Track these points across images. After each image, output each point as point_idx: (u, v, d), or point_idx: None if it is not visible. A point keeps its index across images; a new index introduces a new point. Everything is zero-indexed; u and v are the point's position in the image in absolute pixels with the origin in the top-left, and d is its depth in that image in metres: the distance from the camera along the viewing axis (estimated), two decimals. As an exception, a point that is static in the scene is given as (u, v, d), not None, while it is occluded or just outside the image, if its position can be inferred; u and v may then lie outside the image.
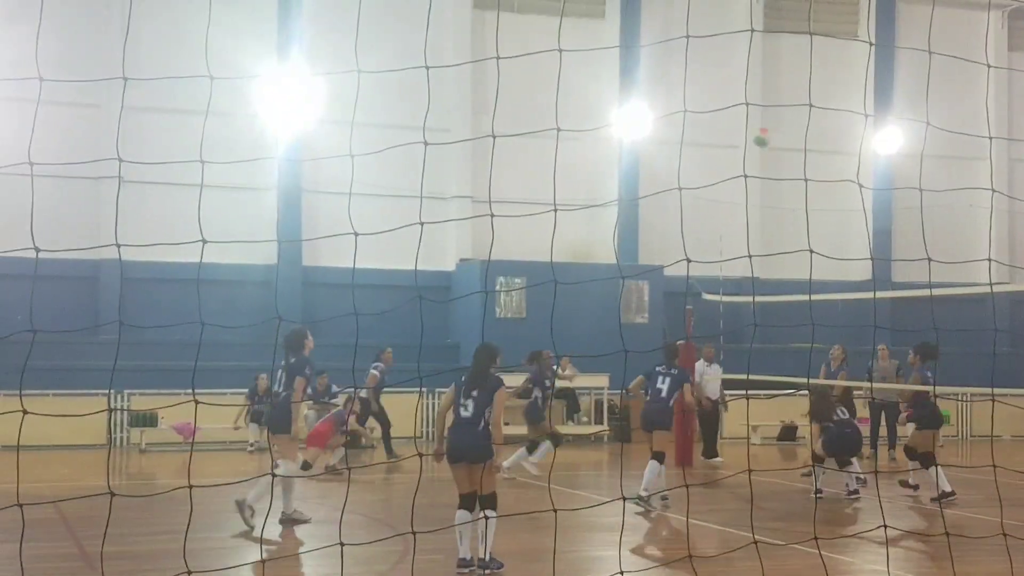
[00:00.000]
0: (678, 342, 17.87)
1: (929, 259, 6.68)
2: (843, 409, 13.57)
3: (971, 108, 25.88)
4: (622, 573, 6.10)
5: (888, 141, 25.07)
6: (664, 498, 12.23)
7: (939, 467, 12.46)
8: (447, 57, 23.37)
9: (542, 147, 22.63)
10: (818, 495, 13.04)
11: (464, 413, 8.72)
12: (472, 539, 8.61)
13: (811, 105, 6.19)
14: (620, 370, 13.23)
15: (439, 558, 8.88)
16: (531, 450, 15.06)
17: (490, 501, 8.59)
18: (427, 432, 21.59)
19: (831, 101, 23.67)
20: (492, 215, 6.59)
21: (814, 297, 18.94)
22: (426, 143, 5.92)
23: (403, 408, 20.76)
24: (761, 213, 24.41)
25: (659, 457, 12.50)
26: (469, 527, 8.59)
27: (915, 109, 24.93)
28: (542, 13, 23.98)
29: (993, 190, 8.66)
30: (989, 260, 7.75)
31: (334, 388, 19.85)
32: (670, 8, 24.68)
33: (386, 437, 18.37)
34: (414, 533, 5.93)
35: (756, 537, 6.67)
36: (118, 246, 6.05)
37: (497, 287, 22.19)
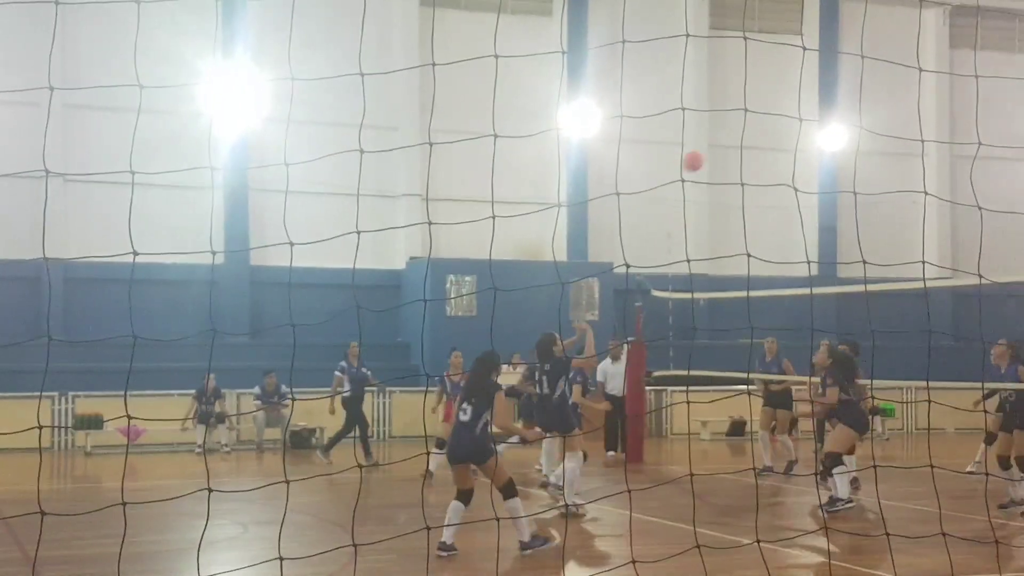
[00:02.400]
0: (628, 339, 17.98)
1: (864, 261, 6.78)
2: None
3: (915, 104, 26.24)
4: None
5: (832, 139, 25.34)
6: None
7: (838, 474, 11.70)
8: (395, 54, 23.31)
9: (490, 145, 22.63)
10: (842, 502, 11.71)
11: (463, 417, 9.15)
12: (460, 528, 9.11)
13: (746, 110, 6.24)
14: (567, 368, 13.26)
15: (391, 557, 8.85)
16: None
17: (507, 491, 9.10)
18: (380, 432, 21.47)
19: (776, 100, 23.96)
20: (430, 222, 6.57)
21: (756, 293, 19.06)
22: (362, 151, 5.88)
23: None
24: (710, 210, 24.58)
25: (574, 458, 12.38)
26: (458, 516, 9.11)
27: (856, 107, 25.23)
28: (490, 11, 23.97)
29: (926, 192, 8.78)
30: (923, 262, 7.82)
31: (283, 388, 19.73)
32: (616, 5, 24.77)
33: (364, 439, 17.55)
34: (355, 545, 5.87)
35: (701, 532, 6.70)
36: (45, 256, 5.95)
37: (447, 285, 22.16)
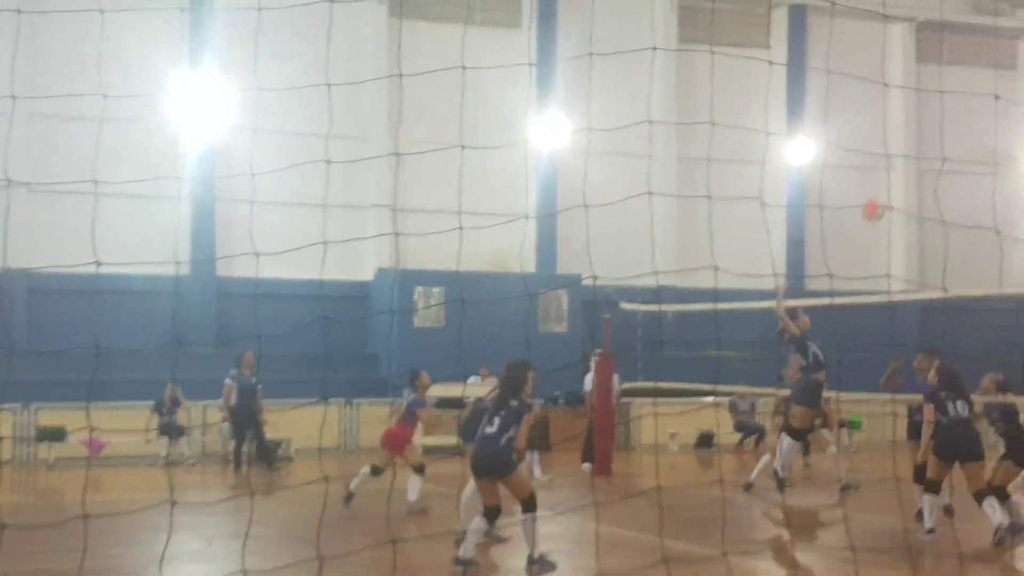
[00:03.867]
0: (596, 351, 17.98)
1: (831, 274, 6.83)
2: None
3: (881, 118, 26.46)
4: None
5: (799, 153, 25.48)
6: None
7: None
8: (364, 65, 23.21)
9: (459, 156, 22.58)
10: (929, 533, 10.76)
11: (489, 429, 9.16)
12: (483, 544, 9.24)
13: (712, 123, 6.24)
14: (541, 379, 13.22)
15: (357, 570, 8.76)
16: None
17: (528, 504, 9.01)
18: (346, 444, 21.33)
19: (745, 113, 24.15)
20: (397, 233, 6.50)
21: (724, 306, 19.20)
22: (328, 161, 5.80)
23: (317, 420, 20.54)
24: (679, 223, 24.65)
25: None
26: (479, 532, 9.11)
27: (827, 120, 25.39)
28: (459, 22, 23.94)
29: (891, 207, 8.82)
30: (888, 276, 7.86)
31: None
32: (586, 17, 24.80)
33: (239, 451, 17.51)
34: (320, 559, 5.79)
35: (669, 544, 6.67)
36: (8, 266, 5.84)
37: (415, 297, 22.08)
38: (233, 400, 17.63)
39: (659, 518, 8.42)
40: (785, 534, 11.08)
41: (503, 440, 9.09)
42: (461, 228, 6.24)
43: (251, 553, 9.64)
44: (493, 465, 9.08)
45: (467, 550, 9.04)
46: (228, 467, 18.44)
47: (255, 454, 17.92)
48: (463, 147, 6.08)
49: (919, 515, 11.05)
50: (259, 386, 17.65)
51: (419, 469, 12.79)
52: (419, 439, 15.68)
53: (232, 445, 18.15)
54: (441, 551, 9.72)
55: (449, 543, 9.76)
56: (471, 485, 10.07)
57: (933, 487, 10.70)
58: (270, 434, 19.55)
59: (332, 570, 8.88)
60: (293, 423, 19.85)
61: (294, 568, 7.41)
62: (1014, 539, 10.37)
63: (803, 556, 9.45)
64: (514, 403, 9.23)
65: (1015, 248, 26.97)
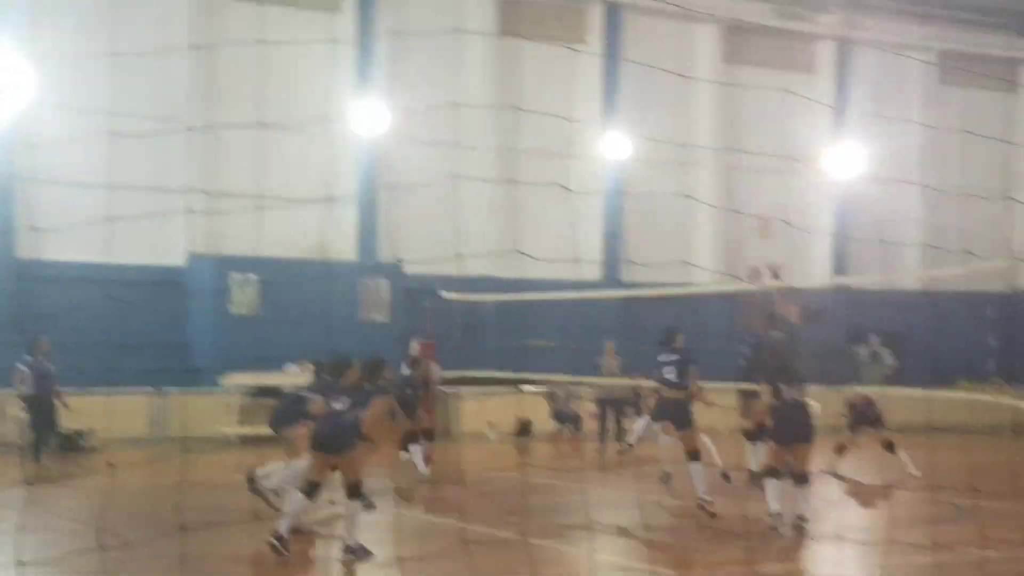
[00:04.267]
0: (416, 340, 18.00)
1: (631, 262, 7.07)
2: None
3: (692, 115, 27.40)
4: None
5: (614, 147, 26.10)
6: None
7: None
8: (176, 43, 22.45)
9: (278, 140, 22.23)
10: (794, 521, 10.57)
11: (337, 405, 9.24)
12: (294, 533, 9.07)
13: (519, 109, 6.36)
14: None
15: (164, 563, 8.58)
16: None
17: (353, 491, 9.06)
18: (155, 434, 20.72)
19: (562, 106, 24.48)
20: (189, 209, 6.38)
21: (535, 296, 19.56)
22: (116, 134, 5.61)
23: (130, 407, 19.92)
24: (499, 213, 24.86)
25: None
26: (298, 507, 9.16)
27: (640, 115, 26.09)
28: (277, 3, 23.51)
29: (697, 198, 9.19)
30: (685, 263, 8.14)
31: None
32: (406, 5, 24.75)
33: (38, 441, 16.57)
34: (103, 548, 5.65)
35: (485, 531, 6.78)
36: None
37: (230, 283, 21.59)
38: (27, 388, 16.71)
39: (462, 503, 8.58)
40: (593, 518, 11.38)
41: (348, 418, 9.21)
42: (261, 208, 6.14)
43: (39, 544, 9.33)
44: (333, 441, 9.11)
45: (352, 535, 9.06)
46: (27, 457, 17.66)
47: (52, 444, 17.10)
48: (261, 124, 5.96)
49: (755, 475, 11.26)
50: (54, 371, 16.77)
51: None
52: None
53: (30, 435, 17.23)
54: (235, 541, 9.63)
55: (241, 532, 9.67)
56: (301, 463, 10.09)
57: (774, 471, 10.68)
58: (74, 424, 18.82)
59: (114, 560, 8.66)
60: (99, 412, 19.16)
61: (75, 558, 7.17)
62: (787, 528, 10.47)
63: (603, 539, 9.71)
64: (368, 386, 9.49)
65: (814, 244, 28.40)
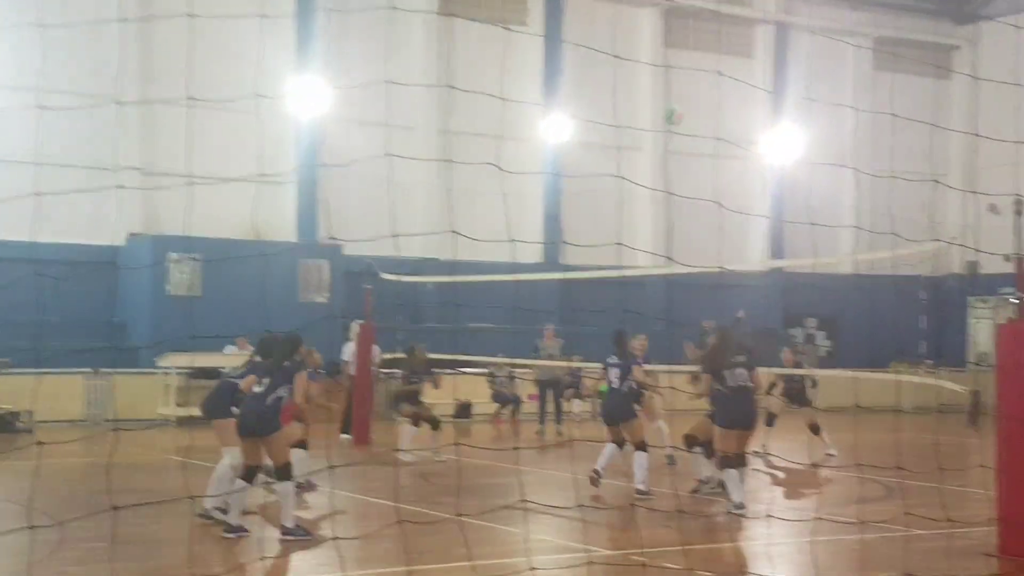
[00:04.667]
0: (356, 322, 18.02)
1: (565, 242, 7.18)
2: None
3: (632, 99, 27.56)
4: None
5: (555, 129, 26.19)
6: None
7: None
8: (110, 15, 22.14)
9: (216, 119, 22.05)
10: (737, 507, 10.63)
11: (257, 388, 9.28)
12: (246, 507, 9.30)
13: (452, 87, 6.43)
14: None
15: (100, 546, 8.56)
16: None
17: (282, 473, 9.12)
18: (92, 415, 20.53)
19: (503, 88, 24.47)
20: (124, 188, 6.38)
21: (471, 279, 19.66)
22: (42, 106, 5.57)
23: (67, 389, 19.68)
24: (440, 194, 24.87)
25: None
26: (244, 496, 9.21)
27: (579, 98, 26.20)
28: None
29: (625, 178, 9.34)
30: (618, 245, 8.26)
31: None
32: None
33: None
34: (32, 527, 5.66)
35: (419, 511, 6.85)
36: None
37: (168, 263, 21.39)
38: None
39: (396, 482, 8.64)
40: (530, 499, 11.51)
41: (269, 400, 9.23)
42: (197, 186, 6.15)
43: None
44: (258, 424, 9.17)
45: (288, 516, 9.14)
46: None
47: None
48: (192, 99, 5.95)
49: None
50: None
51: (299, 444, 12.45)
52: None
53: None
54: (170, 521, 9.64)
55: (175, 513, 9.68)
56: (225, 462, 10.05)
57: (729, 461, 10.61)
58: (8, 404, 18.64)
59: (77, 545, 8.65)
60: (34, 393, 18.93)
61: (5, 537, 7.15)
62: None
63: (536, 517, 9.86)
64: (286, 364, 9.42)
65: (750, 227, 28.74)
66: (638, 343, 13.24)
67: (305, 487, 11.76)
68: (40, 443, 5.24)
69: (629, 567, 8.09)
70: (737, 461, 10.69)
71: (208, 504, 9.90)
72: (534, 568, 6.48)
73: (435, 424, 15.18)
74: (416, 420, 15.21)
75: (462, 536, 7.65)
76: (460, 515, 7.63)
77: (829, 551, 8.81)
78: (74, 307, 20.95)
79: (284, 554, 8.67)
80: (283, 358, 9.46)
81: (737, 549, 9.39)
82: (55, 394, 18.27)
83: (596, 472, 12.03)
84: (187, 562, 7.66)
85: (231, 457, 9.86)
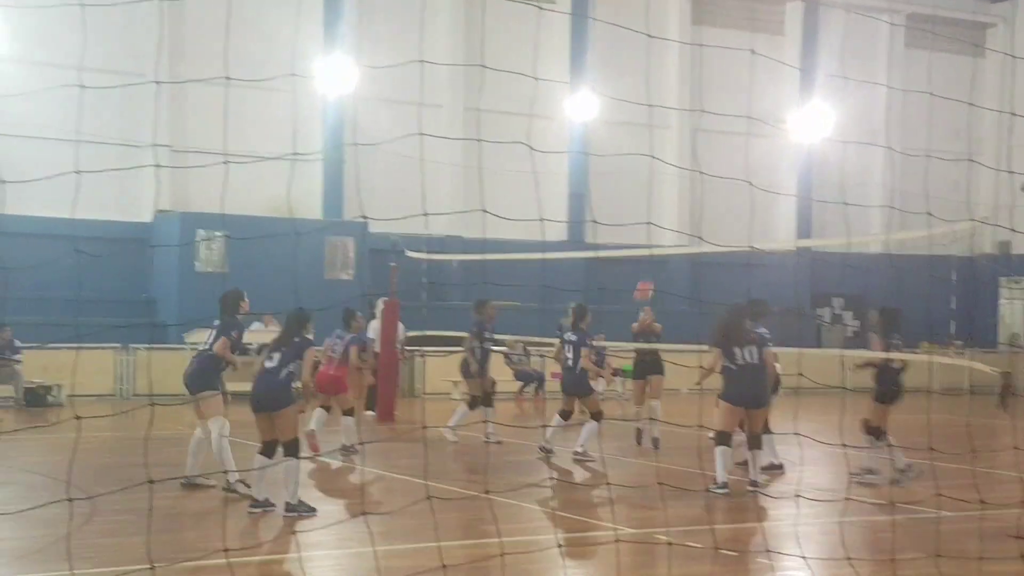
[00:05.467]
0: (381, 299, 18.04)
1: (595, 221, 7.16)
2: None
3: (660, 77, 27.40)
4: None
5: (581, 107, 26.07)
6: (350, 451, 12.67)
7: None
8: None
9: (245, 97, 22.07)
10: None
11: (268, 364, 9.25)
12: (270, 483, 9.17)
13: (483, 66, 6.38)
14: (326, 326, 13.22)
15: (131, 519, 8.63)
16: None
17: (289, 448, 9.08)
18: (121, 390, 20.71)
19: (529, 66, 24.32)
20: (156, 165, 6.39)
21: (500, 256, 19.60)
22: (83, 86, 5.53)
23: (97, 363, 19.83)
24: (466, 172, 24.85)
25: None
26: (266, 472, 9.13)
27: (606, 77, 26.06)
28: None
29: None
30: (648, 224, 8.15)
31: (17, 343, 18.72)
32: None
33: None
34: (70, 500, 5.69)
35: (445, 488, 6.86)
36: None
37: (197, 240, 21.50)
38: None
39: (425, 458, 8.65)
40: (553, 476, 11.51)
41: (282, 374, 9.22)
42: (227, 162, 6.13)
43: (5, 497, 9.37)
44: (269, 399, 9.16)
45: (258, 491, 9.19)
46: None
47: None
48: (228, 79, 5.95)
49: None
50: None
51: (349, 412, 13.02)
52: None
53: None
54: (203, 495, 9.70)
55: (208, 488, 9.73)
56: (198, 432, 10.23)
57: (724, 438, 10.59)
58: (40, 379, 18.83)
59: (104, 516, 8.72)
60: (65, 369, 19.09)
61: (43, 511, 7.21)
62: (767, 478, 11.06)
63: (559, 494, 9.86)
64: (296, 339, 9.38)
65: (778, 206, 28.57)
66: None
67: (349, 450, 12.54)
68: (78, 417, 5.29)
69: (655, 545, 8.07)
70: (753, 442, 10.70)
71: (231, 479, 9.97)
72: (561, 545, 6.48)
73: (488, 401, 14.45)
74: (473, 402, 14.39)
75: (490, 512, 7.65)
76: (488, 492, 7.63)
77: (857, 532, 8.76)
78: (106, 283, 21.09)
79: (311, 529, 8.70)
80: (293, 334, 9.43)
81: (763, 528, 9.35)
82: (85, 369, 18.43)
83: (544, 448, 12.83)
84: (216, 536, 7.70)
85: (217, 427, 10.00)
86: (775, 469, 12.10)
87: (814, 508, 9.85)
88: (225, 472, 9.99)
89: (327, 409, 13.22)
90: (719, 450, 10.55)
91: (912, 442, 11.44)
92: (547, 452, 12.82)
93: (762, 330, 11.93)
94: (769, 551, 7.59)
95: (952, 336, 28.98)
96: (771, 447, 12.00)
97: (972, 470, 10.09)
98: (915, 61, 29.31)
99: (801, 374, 9.62)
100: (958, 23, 30.58)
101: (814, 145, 28.38)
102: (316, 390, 11.66)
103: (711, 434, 10.94)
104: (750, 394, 10.65)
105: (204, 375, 10.25)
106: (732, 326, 10.87)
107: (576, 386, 12.90)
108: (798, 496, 9.59)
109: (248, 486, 9.66)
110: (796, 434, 6.96)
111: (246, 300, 10.51)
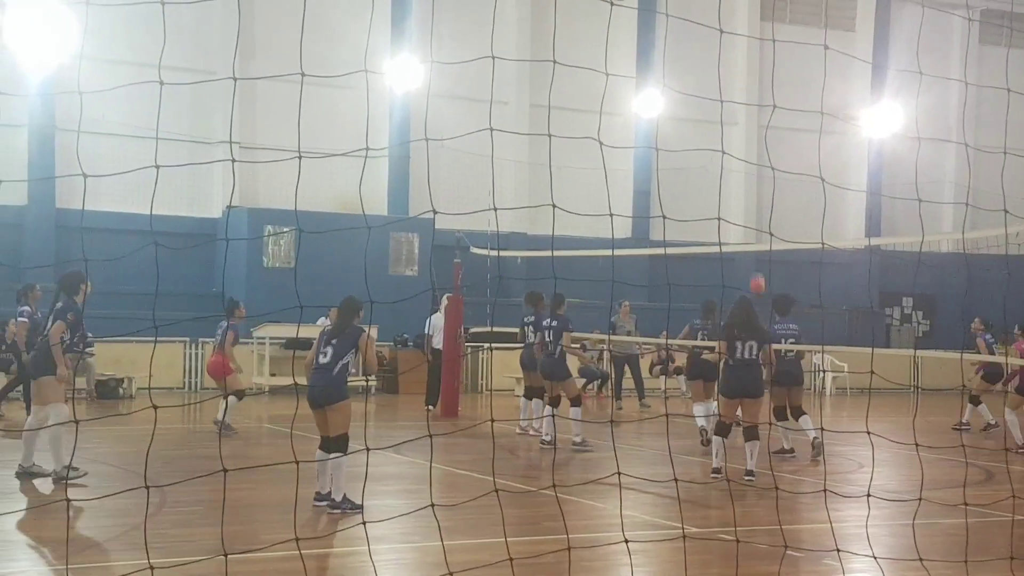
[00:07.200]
0: (446, 295, 18.09)
1: (664, 217, 7.11)
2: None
3: (727, 73, 27.15)
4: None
5: (647, 103, 25.93)
6: None
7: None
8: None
9: (313, 95, 22.24)
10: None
11: (322, 359, 9.14)
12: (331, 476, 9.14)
13: (555, 62, 6.34)
14: (390, 321, 13.27)
15: (199, 509, 8.75)
16: (555, 404, 13.51)
17: (339, 443, 9.02)
18: (190, 383, 21.04)
19: (595, 61, 24.25)
20: (225, 161, 6.44)
21: (567, 252, 19.57)
22: (162, 82, 5.58)
23: (166, 357, 20.20)
24: (531, 169, 24.85)
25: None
26: (327, 464, 9.07)
27: (673, 73, 25.88)
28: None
29: (724, 152, 9.21)
30: (719, 220, 8.03)
31: (89, 336, 18.95)
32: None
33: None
34: (147, 487, 5.77)
35: (507, 483, 6.86)
36: None
37: (265, 235, 21.76)
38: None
39: (492, 454, 8.66)
40: (622, 474, 11.45)
41: (336, 368, 9.07)
42: (300, 157, 6.15)
43: (82, 488, 9.55)
44: (324, 395, 9.01)
45: (320, 484, 9.16)
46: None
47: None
48: (303, 74, 5.95)
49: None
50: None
51: (238, 394, 13.93)
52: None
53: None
54: (270, 487, 9.79)
55: (273, 479, 9.80)
56: (31, 419, 10.28)
57: (723, 429, 11.10)
58: (111, 371, 19.19)
59: (177, 508, 8.86)
60: (135, 362, 19.47)
61: (121, 498, 7.33)
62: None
63: (623, 492, 9.82)
64: (347, 330, 9.21)
65: (846, 205, 28.18)
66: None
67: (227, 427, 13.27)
68: (155, 406, 5.37)
69: (723, 543, 8.00)
70: (749, 433, 11.01)
71: (57, 467, 9.92)
72: (627, 540, 6.44)
73: (556, 402, 13.92)
74: (556, 401, 13.76)
75: (557, 509, 7.63)
76: (554, 486, 7.62)
77: (927, 533, 8.60)
78: (176, 278, 21.42)
79: (378, 522, 8.76)
80: (344, 324, 9.25)
81: (831, 529, 9.23)
82: (156, 362, 18.75)
83: (521, 428, 13.91)
84: (282, 527, 7.78)
85: (56, 414, 9.99)
86: (787, 453, 12.71)
87: (885, 509, 9.70)
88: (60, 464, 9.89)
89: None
90: (716, 440, 11.14)
91: (984, 443, 11.23)
92: (548, 444, 13.24)
93: (792, 326, 12.36)
94: (838, 551, 7.48)
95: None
96: (784, 432, 12.66)
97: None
98: (989, 57, 28.73)
99: (873, 371, 9.48)
100: (1034, 18, 29.93)
101: (884, 142, 27.95)
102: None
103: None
104: (741, 387, 11.09)
105: (42, 360, 10.18)
106: (739, 320, 11.24)
107: (555, 370, 13.40)
108: (868, 496, 9.45)
109: (63, 478, 9.61)
110: (868, 432, 6.84)
111: (88, 284, 10.37)
